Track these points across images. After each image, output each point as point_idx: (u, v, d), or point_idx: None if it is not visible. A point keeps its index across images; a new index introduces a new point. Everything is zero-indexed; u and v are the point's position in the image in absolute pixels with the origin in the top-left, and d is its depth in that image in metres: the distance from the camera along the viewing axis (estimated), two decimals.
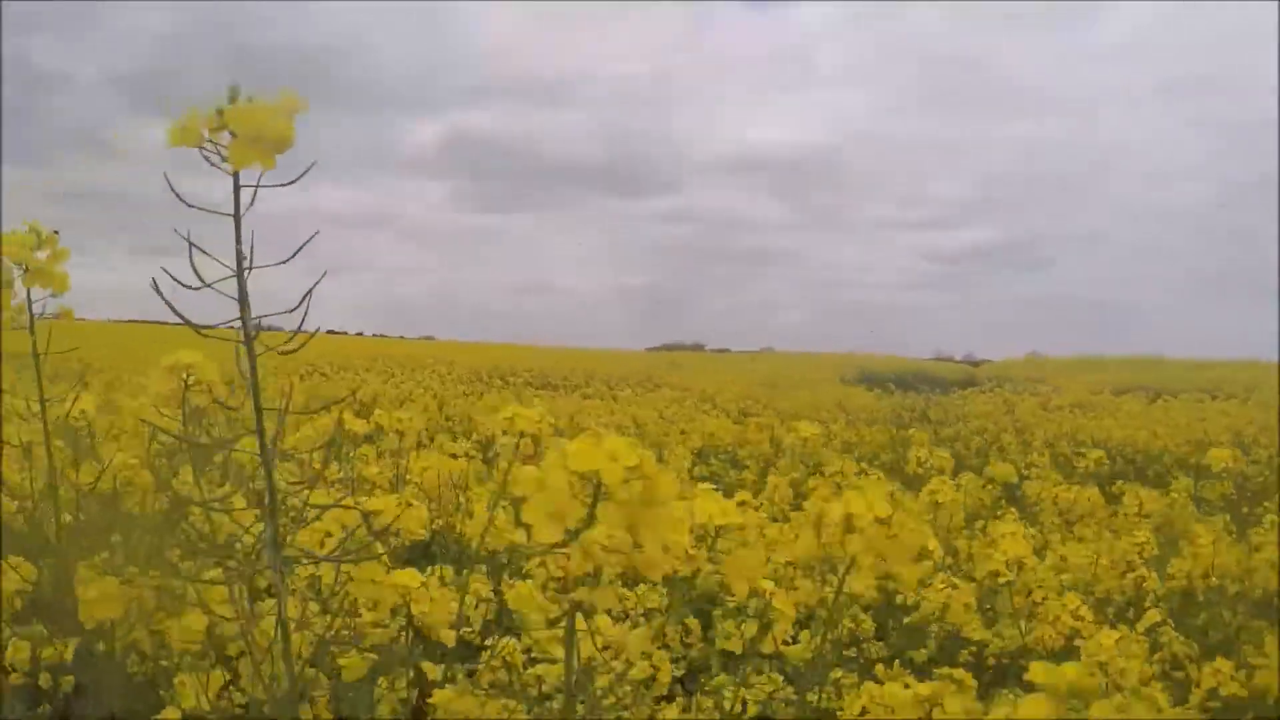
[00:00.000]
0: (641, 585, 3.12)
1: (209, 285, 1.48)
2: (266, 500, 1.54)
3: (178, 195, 1.43)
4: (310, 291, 1.50)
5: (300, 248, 1.47)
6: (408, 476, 4.72)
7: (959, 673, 2.41)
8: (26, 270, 2.33)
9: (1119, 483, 7.37)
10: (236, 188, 1.50)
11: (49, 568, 2.63)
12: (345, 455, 5.68)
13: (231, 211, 1.49)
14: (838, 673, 2.66)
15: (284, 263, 1.47)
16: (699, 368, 29.21)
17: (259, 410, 1.57)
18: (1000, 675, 3.31)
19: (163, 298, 1.43)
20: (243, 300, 1.53)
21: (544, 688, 2.77)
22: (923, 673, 3.12)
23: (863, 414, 16.05)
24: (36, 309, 2.36)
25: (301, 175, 1.48)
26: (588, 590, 1.19)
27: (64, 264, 2.35)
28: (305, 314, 1.49)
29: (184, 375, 2.10)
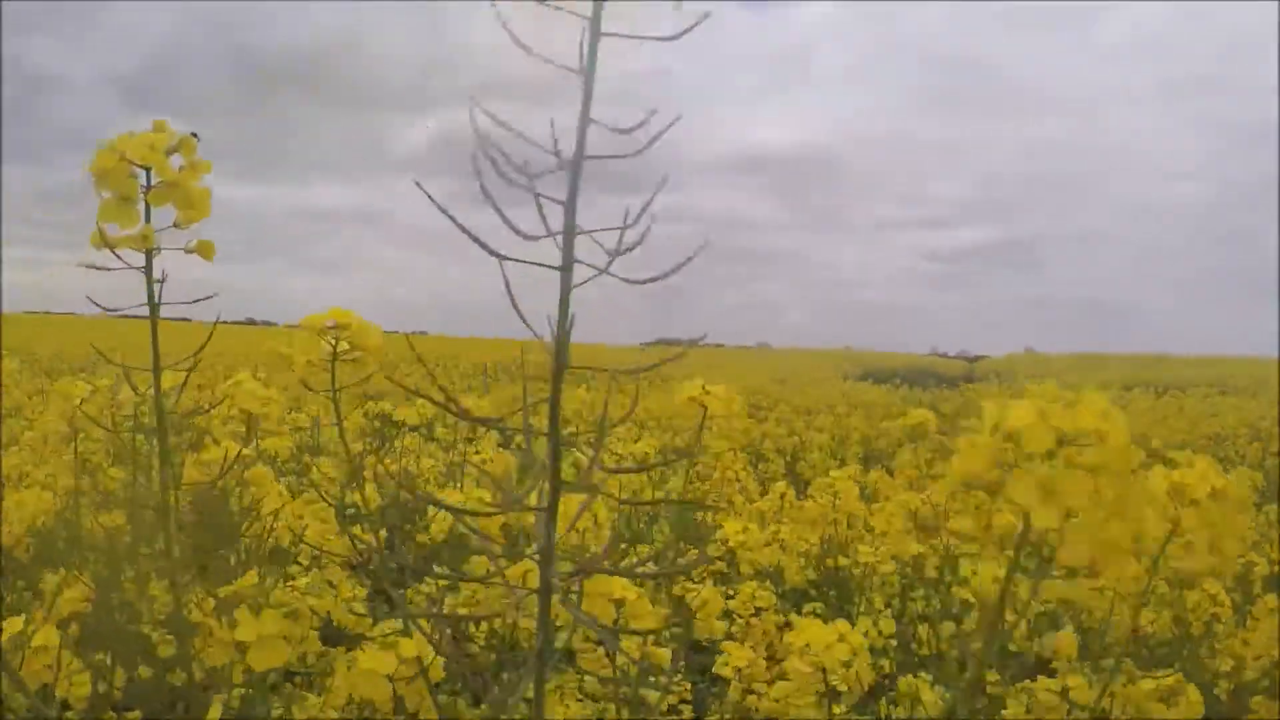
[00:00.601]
0: (750, 583, 2.95)
1: (530, 181, 1.11)
2: (548, 497, 1.20)
3: (517, 40, 1.08)
4: (653, 198, 1.12)
5: (646, 119, 1.08)
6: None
7: (1127, 665, 2.30)
8: (152, 184, 1.64)
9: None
10: (595, 28, 1.12)
11: (98, 578, 2.27)
12: (391, 447, 5.54)
13: (578, 66, 1.12)
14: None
15: (626, 131, 1.09)
16: (704, 364, 29.06)
17: (559, 371, 1.19)
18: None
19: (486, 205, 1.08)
20: (572, 193, 1.14)
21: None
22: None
23: (876, 409, 15.96)
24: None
25: (687, 31, 1.06)
26: (1066, 585, 1.03)
27: (204, 179, 1.66)
28: (630, 237, 1.13)
29: (333, 340, 1.88)
